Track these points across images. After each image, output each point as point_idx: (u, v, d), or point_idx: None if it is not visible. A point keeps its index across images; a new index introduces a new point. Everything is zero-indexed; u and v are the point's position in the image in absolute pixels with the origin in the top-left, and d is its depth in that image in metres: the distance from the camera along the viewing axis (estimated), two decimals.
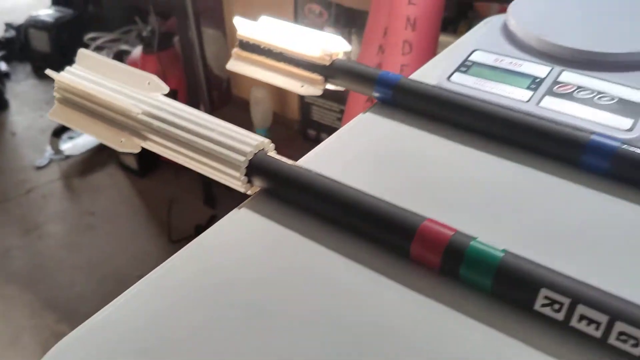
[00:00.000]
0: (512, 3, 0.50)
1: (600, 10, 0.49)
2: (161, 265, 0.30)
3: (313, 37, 0.45)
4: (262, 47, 0.46)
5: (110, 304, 0.28)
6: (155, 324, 0.27)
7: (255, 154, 0.33)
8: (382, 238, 0.30)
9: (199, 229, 1.33)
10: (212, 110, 1.58)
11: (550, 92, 0.42)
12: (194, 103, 1.51)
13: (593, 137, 0.36)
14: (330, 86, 0.45)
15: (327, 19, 1.25)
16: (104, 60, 0.40)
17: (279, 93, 1.47)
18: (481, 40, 0.48)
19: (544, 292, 0.25)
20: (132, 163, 1.75)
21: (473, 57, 0.46)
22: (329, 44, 0.44)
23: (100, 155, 1.82)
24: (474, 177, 0.36)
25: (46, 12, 2.25)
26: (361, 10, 1.16)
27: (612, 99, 0.40)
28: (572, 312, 0.25)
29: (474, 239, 0.28)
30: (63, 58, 1.94)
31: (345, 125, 0.42)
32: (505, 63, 0.45)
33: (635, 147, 0.35)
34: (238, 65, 0.48)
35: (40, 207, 1.63)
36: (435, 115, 0.41)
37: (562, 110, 0.40)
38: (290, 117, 1.51)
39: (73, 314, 1.27)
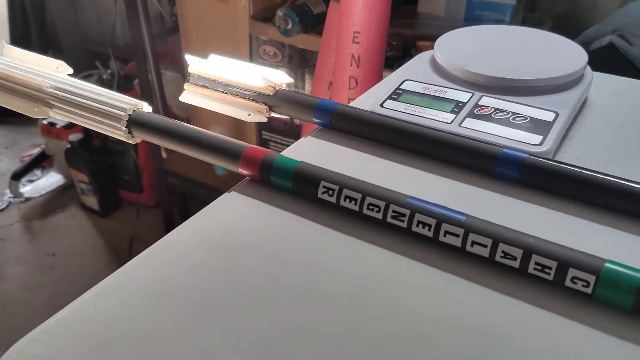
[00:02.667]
0: (438, 39, 0.55)
1: (511, 45, 0.54)
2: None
3: (257, 71, 0.49)
4: (211, 80, 0.50)
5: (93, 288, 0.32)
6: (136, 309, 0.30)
7: (133, 110, 0.43)
8: (217, 160, 0.41)
9: None
10: None
11: (471, 115, 0.46)
12: None
13: (504, 150, 0.41)
14: (275, 114, 0.49)
15: (281, 59, 1.30)
16: (23, 51, 0.50)
17: (237, 130, 1.51)
18: (411, 71, 0.53)
19: (322, 183, 0.37)
20: (94, 204, 1.75)
21: (404, 86, 0.51)
22: (271, 77, 0.49)
23: (61, 197, 1.82)
24: (402, 188, 0.40)
25: None
26: (313, 51, 1.22)
27: (525, 119, 0.45)
28: (340, 195, 0.36)
29: (280, 156, 0.39)
30: None
31: (290, 146, 0.46)
32: (432, 90, 0.50)
33: (543, 158, 0.40)
34: (190, 97, 0.52)
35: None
36: (369, 136, 0.45)
37: (482, 129, 0.45)
38: None
39: None
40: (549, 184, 0.39)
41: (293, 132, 1.40)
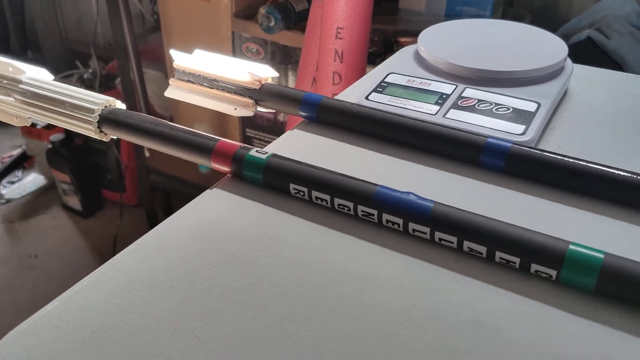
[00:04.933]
0: (421, 33, 0.56)
1: (493, 38, 0.55)
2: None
3: (243, 65, 0.50)
4: (197, 75, 0.51)
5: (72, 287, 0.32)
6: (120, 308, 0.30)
7: (105, 106, 0.43)
8: (189, 155, 0.41)
9: None
10: None
11: (455, 106, 0.47)
12: None
13: (488, 140, 0.41)
14: (261, 109, 0.49)
15: (263, 56, 1.30)
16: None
17: (221, 127, 1.51)
18: (396, 65, 0.54)
19: (292, 186, 0.38)
20: (76, 204, 1.74)
21: (388, 79, 0.52)
22: (257, 71, 0.49)
23: (43, 198, 1.81)
24: (389, 179, 0.40)
25: None
26: (295, 48, 1.23)
27: (508, 110, 0.46)
28: (310, 195, 0.37)
29: (249, 149, 0.39)
30: None
31: (277, 139, 0.47)
32: (416, 83, 0.51)
33: (527, 147, 0.41)
34: (175, 93, 0.52)
35: None
36: (355, 128, 0.46)
37: (466, 120, 0.45)
38: None
39: None
40: (533, 172, 0.40)
41: (276, 129, 1.40)
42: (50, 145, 1.72)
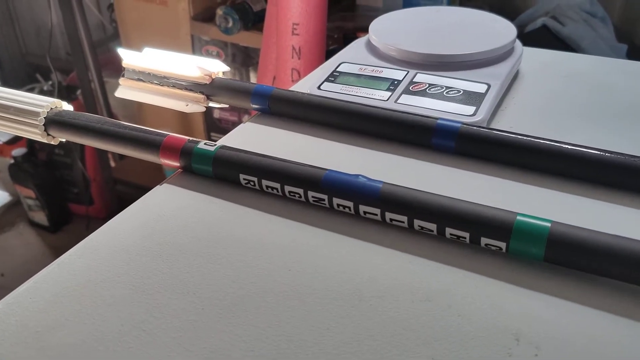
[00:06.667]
0: (373, 22, 0.56)
1: (444, 23, 0.55)
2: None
3: (193, 61, 0.49)
4: (147, 73, 0.50)
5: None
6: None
7: (50, 109, 0.42)
8: (138, 152, 0.40)
9: None
10: (120, 156, 1.58)
11: (406, 91, 0.47)
12: (102, 151, 1.51)
13: (438, 121, 0.41)
14: (212, 104, 0.49)
15: (224, 58, 1.29)
16: None
17: (185, 133, 1.49)
18: (348, 54, 0.54)
19: (242, 176, 0.37)
20: (42, 219, 1.71)
21: (340, 68, 0.51)
22: (208, 65, 0.48)
23: (8, 215, 1.77)
24: (342, 166, 0.40)
25: None
26: (256, 48, 1.22)
27: (459, 92, 0.46)
28: (261, 185, 0.37)
29: (198, 142, 0.38)
30: None
31: (229, 133, 0.46)
32: (368, 71, 0.50)
33: (476, 126, 0.41)
34: (126, 92, 0.51)
35: None
36: (307, 118, 0.46)
37: (417, 104, 0.45)
38: None
39: None
40: (484, 151, 0.40)
41: None
42: (12, 161, 1.68)
